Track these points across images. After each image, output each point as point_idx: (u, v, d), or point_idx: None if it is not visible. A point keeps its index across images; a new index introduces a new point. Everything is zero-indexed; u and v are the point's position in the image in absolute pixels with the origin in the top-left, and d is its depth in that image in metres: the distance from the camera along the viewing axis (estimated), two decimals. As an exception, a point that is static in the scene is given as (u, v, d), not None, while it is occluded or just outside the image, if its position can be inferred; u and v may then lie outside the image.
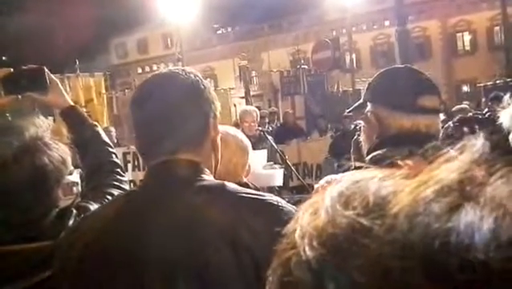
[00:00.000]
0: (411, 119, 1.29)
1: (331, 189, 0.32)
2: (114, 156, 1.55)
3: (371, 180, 0.31)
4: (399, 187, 0.29)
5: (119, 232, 0.99)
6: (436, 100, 1.33)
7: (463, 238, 0.25)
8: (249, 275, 0.91)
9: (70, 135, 1.40)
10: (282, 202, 1.02)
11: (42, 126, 1.23)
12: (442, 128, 1.96)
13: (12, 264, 1.16)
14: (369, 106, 1.38)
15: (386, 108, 1.33)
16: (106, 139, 1.56)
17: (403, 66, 1.43)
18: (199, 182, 1.01)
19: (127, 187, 1.49)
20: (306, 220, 0.31)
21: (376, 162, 1.29)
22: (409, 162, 0.34)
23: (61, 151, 1.22)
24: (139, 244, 0.95)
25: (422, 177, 0.30)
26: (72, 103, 1.58)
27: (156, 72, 1.15)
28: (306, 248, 0.29)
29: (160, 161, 1.03)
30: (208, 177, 1.04)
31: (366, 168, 1.28)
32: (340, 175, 1.36)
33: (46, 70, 1.53)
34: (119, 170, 1.50)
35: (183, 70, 1.10)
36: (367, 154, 1.35)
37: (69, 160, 1.26)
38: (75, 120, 1.52)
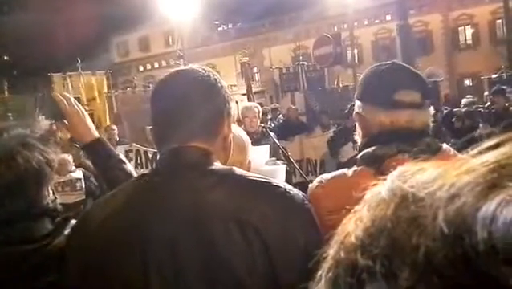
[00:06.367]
0: (389, 115, 1.27)
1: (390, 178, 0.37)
2: None
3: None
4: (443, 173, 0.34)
5: (130, 213, 1.02)
6: (415, 95, 1.29)
7: (486, 217, 0.28)
8: (256, 253, 0.95)
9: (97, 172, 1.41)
10: (289, 187, 1.06)
11: (30, 127, 1.23)
12: (435, 122, 1.93)
13: (10, 265, 1.15)
14: (356, 104, 1.38)
15: (368, 105, 1.32)
16: (132, 171, 1.58)
17: (389, 62, 1.37)
18: (208, 166, 1.05)
19: None
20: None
21: (366, 160, 1.28)
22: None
23: (47, 152, 1.22)
24: (147, 223, 0.98)
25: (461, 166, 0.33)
26: (98, 136, 1.55)
27: (178, 68, 1.19)
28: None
29: (172, 147, 1.06)
30: (217, 164, 1.07)
31: (359, 165, 1.26)
32: (341, 171, 1.35)
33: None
34: None
35: (203, 68, 1.14)
36: (359, 152, 1.35)
37: (57, 160, 1.27)
38: (101, 158, 1.53)
